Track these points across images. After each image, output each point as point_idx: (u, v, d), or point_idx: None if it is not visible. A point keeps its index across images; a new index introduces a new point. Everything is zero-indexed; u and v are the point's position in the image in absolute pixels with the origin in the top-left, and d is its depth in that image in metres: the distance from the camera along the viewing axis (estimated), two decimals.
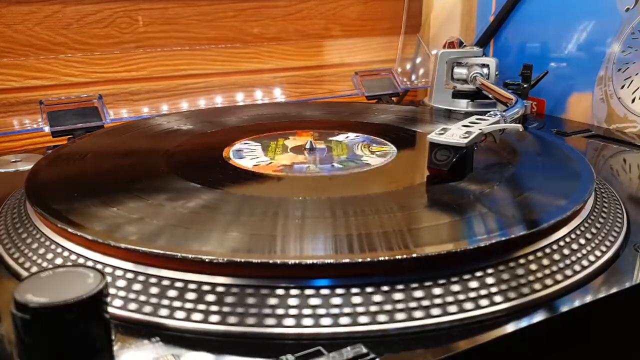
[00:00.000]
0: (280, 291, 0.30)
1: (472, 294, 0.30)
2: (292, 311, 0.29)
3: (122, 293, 0.31)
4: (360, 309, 0.29)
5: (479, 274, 0.31)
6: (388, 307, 0.29)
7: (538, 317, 0.30)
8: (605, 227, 0.38)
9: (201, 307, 0.29)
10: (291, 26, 0.84)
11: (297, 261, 0.30)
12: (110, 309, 0.25)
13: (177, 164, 0.47)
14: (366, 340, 0.28)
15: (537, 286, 0.32)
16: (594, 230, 0.37)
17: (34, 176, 0.44)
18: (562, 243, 0.35)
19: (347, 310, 0.29)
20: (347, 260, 0.30)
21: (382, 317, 0.29)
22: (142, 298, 0.30)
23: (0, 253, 0.37)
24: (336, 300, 0.29)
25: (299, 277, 0.30)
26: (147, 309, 0.30)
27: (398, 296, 0.30)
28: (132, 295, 0.31)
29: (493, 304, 0.30)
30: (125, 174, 0.46)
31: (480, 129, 0.45)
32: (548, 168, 0.47)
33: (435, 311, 0.29)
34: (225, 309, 0.29)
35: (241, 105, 0.80)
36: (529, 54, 0.80)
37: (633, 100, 0.68)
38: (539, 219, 0.36)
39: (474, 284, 0.31)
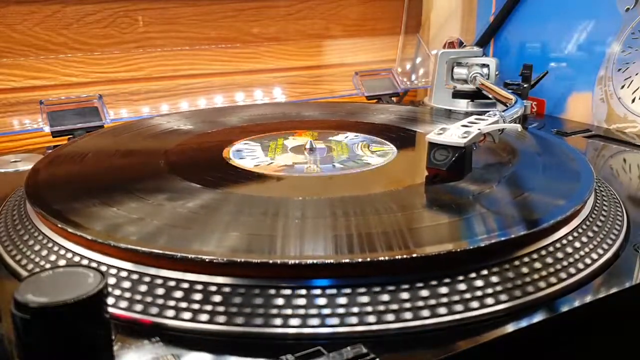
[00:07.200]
0: (280, 291, 0.30)
1: (472, 294, 0.30)
2: (292, 311, 0.29)
3: (122, 293, 0.31)
4: (360, 309, 0.29)
5: (478, 274, 0.31)
6: (388, 307, 0.29)
7: (538, 317, 0.30)
8: (605, 227, 0.38)
9: (201, 307, 0.29)
10: (291, 26, 0.84)
11: (297, 261, 0.30)
12: (110, 309, 0.25)
13: (177, 164, 0.47)
14: (366, 340, 0.28)
15: (537, 286, 0.32)
16: (593, 231, 0.37)
17: (34, 176, 0.44)
18: (562, 243, 0.35)
19: (346, 310, 0.29)
20: (347, 261, 0.30)
21: (382, 317, 0.29)
22: (142, 298, 0.30)
23: (0, 253, 0.37)
24: (336, 300, 0.29)
25: (299, 277, 0.30)
26: (147, 309, 0.30)
27: (398, 296, 0.30)
28: (132, 295, 0.31)
29: (493, 304, 0.30)
30: (125, 174, 0.46)
31: (479, 129, 0.45)
32: (548, 168, 0.47)
33: (435, 311, 0.29)
34: (226, 309, 0.29)
35: (241, 105, 0.80)
36: (529, 54, 0.80)
37: (633, 100, 0.68)
38: (539, 219, 0.36)
39: (473, 284, 0.31)
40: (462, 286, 0.31)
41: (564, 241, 0.35)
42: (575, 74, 0.75)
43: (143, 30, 0.74)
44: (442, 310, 0.30)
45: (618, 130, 0.69)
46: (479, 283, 0.31)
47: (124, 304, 0.30)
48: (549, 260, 0.34)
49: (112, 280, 0.31)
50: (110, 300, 0.30)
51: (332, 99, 0.87)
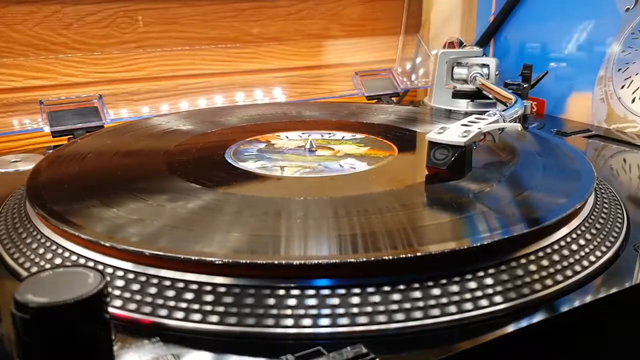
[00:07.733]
0: (280, 291, 0.30)
1: (472, 294, 0.30)
2: (293, 311, 0.29)
3: (122, 293, 0.31)
4: (360, 309, 0.29)
5: (479, 273, 0.31)
6: (388, 307, 0.29)
7: (538, 317, 0.30)
8: (606, 228, 0.38)
9: (201, 307, 0.29)
10: (291, 26, 0.84)
11: (301, 262, 0.30)
12: (110, 309, 0.25)
13: (177, 164, 0.47)
14: (366, 340, 0.28)
15: (537, 286, 0.32)
16: (594, 231, 0.37)
17: (35, 176, 0.44)
18: (562, 243, 0.35)
19: (347, 310, 0.29)
20: (351, 260, 0.30)
21: (382, 317, 0.29)
22: (142, 298, 0.30)
23: (0, 253, 0.37)
24: (336, 301, 0.29)
25: (302, 277, 0.30)
26: (147, 309, 0.30)
27: (398, 296, 0.30)
28: (132, 296, 0.31)
29: (493, 304, 0.30)
30: (125, 174, 0.46)
31: (479, 128, 0.45)
32: (548, 167, 0.47)
33: (435, 311, 0.29)
34: (226, 309, 0.29)
35: (241, 105, 0.80)
36: (529, 54, 0.80)
37: (633, 100, 0.68)
38: (539, 217, 0.36)
39: (474, 284, 0.31)
40: (462, 286, 0.31)
41: (564, 241, 0.35)
42: (575, 74, 0.75)
43: (143, 30, 0.74)
44: (443, 310, 0.30)
45: (618, 130, 0.69)
46: (480, 283, 0.31)
47: (124, 304, 0.30)
48: (549, 260, 0.34)
49: (112, 280, 0.31)
50: (111, 301, 0.30)
51: (332, 99, 0.87)
